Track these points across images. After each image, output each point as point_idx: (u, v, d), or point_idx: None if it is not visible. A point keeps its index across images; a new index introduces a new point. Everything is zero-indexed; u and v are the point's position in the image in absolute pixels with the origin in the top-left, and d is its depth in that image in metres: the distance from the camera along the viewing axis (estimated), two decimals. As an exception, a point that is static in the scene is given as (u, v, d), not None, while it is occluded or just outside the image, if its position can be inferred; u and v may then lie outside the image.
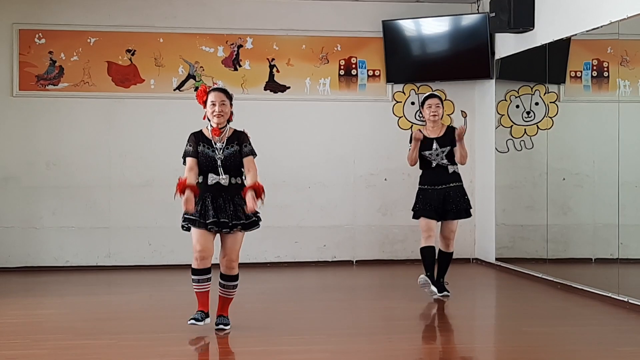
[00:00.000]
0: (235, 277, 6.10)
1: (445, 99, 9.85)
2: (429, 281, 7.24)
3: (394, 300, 7.42)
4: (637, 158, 7.05)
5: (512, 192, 9.24)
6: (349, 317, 6.73)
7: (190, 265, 6.06)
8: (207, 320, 6.06)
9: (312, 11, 9.70)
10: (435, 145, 7.31)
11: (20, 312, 6.93)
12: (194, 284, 6.08)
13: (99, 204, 9.37)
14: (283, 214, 9.57)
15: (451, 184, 7.33)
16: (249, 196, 5.86)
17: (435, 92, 8.08)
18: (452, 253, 7.49)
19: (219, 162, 5.97)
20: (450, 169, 7.33)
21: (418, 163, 7.41)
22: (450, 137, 7.35)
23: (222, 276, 6.11)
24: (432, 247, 7.31)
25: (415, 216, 7.43)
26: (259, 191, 5.94)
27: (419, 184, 7.44)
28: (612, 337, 6.01)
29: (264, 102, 9.61)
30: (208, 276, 6.05)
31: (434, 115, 7.33)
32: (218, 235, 6.07)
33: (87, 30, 9.34)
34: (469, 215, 7.47)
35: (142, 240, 9.43)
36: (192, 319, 6.03)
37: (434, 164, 7.32)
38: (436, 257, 7.46)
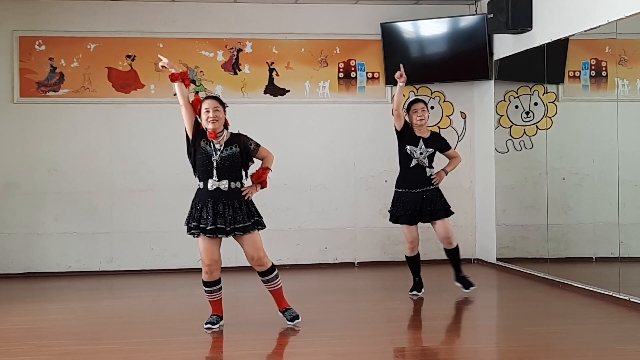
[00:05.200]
0: (271, 270, 6.24)
1: (444, 100, 9.90)
2: (419, 293, 7.61)
3: (396, 302, 7.43)
4: (636, 157, 7.06)
5: (512, 192, 9.25)
6: (351, 318, 6.75)
7: (196, 269, 6.16)
8: (222, 322, 6.21)
9: (310, 14, 9.72)
10: (421, 143, 7.39)
11: (23, 318, 6.94)
12: (206, 294, 6.23)
13: (100, 209, 9.39)
14: (284, 217, 9.59)
15: (428, 187, 7.40)
16: (252, 186, 6.15)
17: (420, 97, 8.16)
18: (457, 246, 7.61)
19: (214, 164, 6.03)
20: (428, 171, 7.40)
21: (398, 161, 7.48)
22: (435, 142, 7.49)
23: (260, 274, 6.22)
24: (418, 255, 7.60)
25: (395, 221, 7.53)
26: (261, 179, 6.19)
27: (396, 187, 7.52)
28: (614, 335, 6.02)
29: (263, 106, 9.63)
30: (219, 286, 6.21)
31: (421, 120, 7.41)
32: (232, 240, 6.14)
33: (87, 37, 9.36)
34: (449, 214, 7.51)
35: (145, 244, 9.44)
36: (207, 323, 6.17)
37: (414, 163, 7.36)
38: (447, 257, 7.69)
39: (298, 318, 6.27)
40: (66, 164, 9.35)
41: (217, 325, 6.17)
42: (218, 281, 6.17)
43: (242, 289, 7.91)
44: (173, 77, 6.16)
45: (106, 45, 9.40)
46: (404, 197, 7.41)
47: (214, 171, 6.04)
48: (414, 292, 7.57)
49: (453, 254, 7.60)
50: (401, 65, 7.36)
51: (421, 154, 7.37)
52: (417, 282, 7.62)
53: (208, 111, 6.07)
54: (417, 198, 7.37)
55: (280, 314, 6.32)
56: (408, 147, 7.37)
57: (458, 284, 7.65)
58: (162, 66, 6.21)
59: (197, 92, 9.45)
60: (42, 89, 9.30)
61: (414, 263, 7.61)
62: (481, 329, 6.60)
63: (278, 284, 6.28)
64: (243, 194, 6.09)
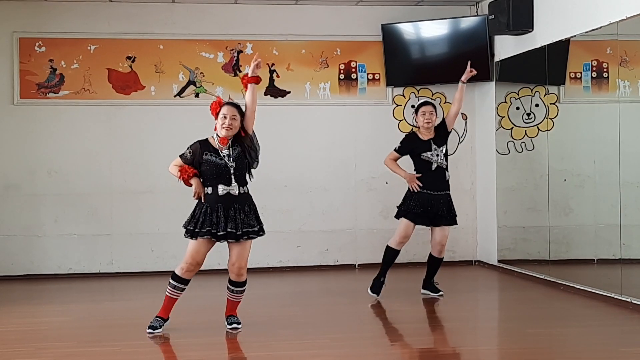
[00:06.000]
0: (244, 283, 6.23)
1: (445, 102, 9.88)
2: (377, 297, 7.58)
3: (397, 304, 7.42)
4: (637, 158, 7.05)
5: (513, 194, 9.24)
6: (352, 320, 6.73)
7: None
8: (167, 323, 6.22)
9: (311, 16, 9.71)
10: (433, 146, 7.40)
11: (23, 320, 6.93)
12: (169, 288, 6.20)
13: (100, 211, 9.37)
14: (285, 219, 9.58)
15: (446, 191, 7.44)
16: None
17: (429, 100, 8.18)
18: (443, 258, 7.63)
19: (232, 170, 6.02)
20: (447, 175, 7.44)
21: (414, 166, 7.49)
22: (441, 134, 7.48)
23: (232, 282, 6.21)
24: (398, 252, 7.56)
25: (403, 215, 7.49)
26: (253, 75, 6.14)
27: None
28: (616, 337, 6.01)
29: (264, 107, 9.55)
30: (185, 286, 6.20)
31: (428, 122, 7.42)
32: (225, 244, 6.13)
33: (87, 38, 9.35)
34: (456, 222, 7.58)
35: (145, 246, 9.43)
36: (150, 327, 6.16)
37: (435, 166, 7.36)
38: (427, 261, 7.70)
39: (240, 324, 6.23)
40: (66, 166, 9.33)
41: (160, 330, 6.15)
42: (188, 281, 6.16)
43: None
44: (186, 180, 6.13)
45: (106, 47, 9.39)
46: (421, 196, 7.38)
47: (232, 177, 6.03)
48: (374, 295, 7.56)
49: (437, 263, 7.62)
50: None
51: (437, 155, 7.38)
52: (382, 283, 7.59)
53: (225, 117, 6.04)
54: (434, 200, 7.37)
55: (225, 319, 6.29)
56: (423, 155, 7.38)
57: (426, 291, 7.65)
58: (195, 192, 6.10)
59: (197, 94, 9.46)
60: (42, 91, 9.29)
61: (392, 259, 7.56)
62: (482, 331, 6.59)
63: (241, 297, 6.30)
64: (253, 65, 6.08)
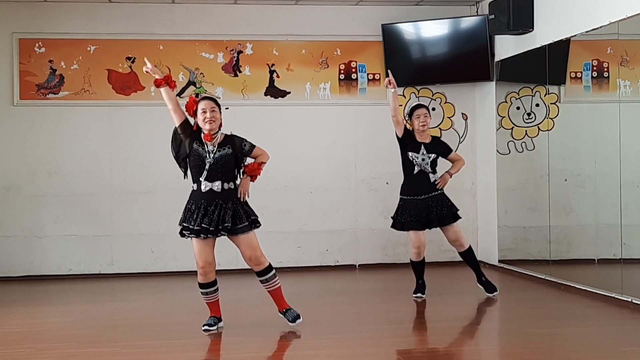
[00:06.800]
0: (269, 269, 6.21)
1: (445, 102, 9.88)
2: (423, 295, 7.57)
3: (397, 304, 7.41)
4: (638, 158, 7.05)
5: (514, 194, 9.23)
6: (352, 321, 6.73)
7: (196, 272, 6.17)
8: (220, 324, 6.23)
9: (311, 16, 9.71)
10: (422, 150, 7.36)
11: (23, 321, 6.93)
12: (202, 296, 6.24)
13: (101, 211, 9.37)
14: (285, 219, 9.57)
15: (433, 193, 7.37)
16: (243, 181, 6.13)
17: (421, 102, 8.17)
18: (470, 248, 7.56)
19: (207, 165, 6.01)
20: (432, 177, 7.37)
21: (401, 167, 7.44)
22: (436, 147, 7.44)
23: (258, 273, 6.20)
24: (423, 259, 7.55)
25: (400, 228, 7.47)
26: (255, 172, 6.17)
27: (401, 194, 7.48)
28: (617, 337, 6.00)
29: (264, 108, 9.61)
30: (214, 287, 6.21)
31: (423, 125, 7.38)
32: (231, 242, 6.14)
33: (87, 39, 9.35)
34: (457, 218, 7.48)
35: (145, 247, 9.42)
36: (205, 325, 6.18)
37: (417, 170, 7.34)
38: (464, 261, 7.64)
39: (299, 318, 6.25)
40: (66, 167, 9.33)
41: (215, 327, 6.17)
42: (214, 282, 6.17)
43: (242, 292, 7.90)
44: (157, 83, 6.09)
45: (106, 47, 9.38)
46: (409, 204, 7.37)
47: (206, 172, 6.02)
48: (418, 295, 7.56)
49: (468, 256, 7.56)
50: (389, 71, 7.42)
51: (423, 159, 7.34)
52: (421, 284, 7.60)
53: (205, 112, 6.05)
54: (424, 204, 7.34)
55: (281, 315, 6.28)
56: (410, 153, 7.35)
57: (480, 287, 7.63)
58: (146, 71, 6.14)
59: (197, 95, 9.45)
60: (42, 92, 9.28)
61: (418, 267, 7.59)
62: (483, 331, 6.59)
63: (276, 283, 6.26)
64: (239, 195, 6.08)
